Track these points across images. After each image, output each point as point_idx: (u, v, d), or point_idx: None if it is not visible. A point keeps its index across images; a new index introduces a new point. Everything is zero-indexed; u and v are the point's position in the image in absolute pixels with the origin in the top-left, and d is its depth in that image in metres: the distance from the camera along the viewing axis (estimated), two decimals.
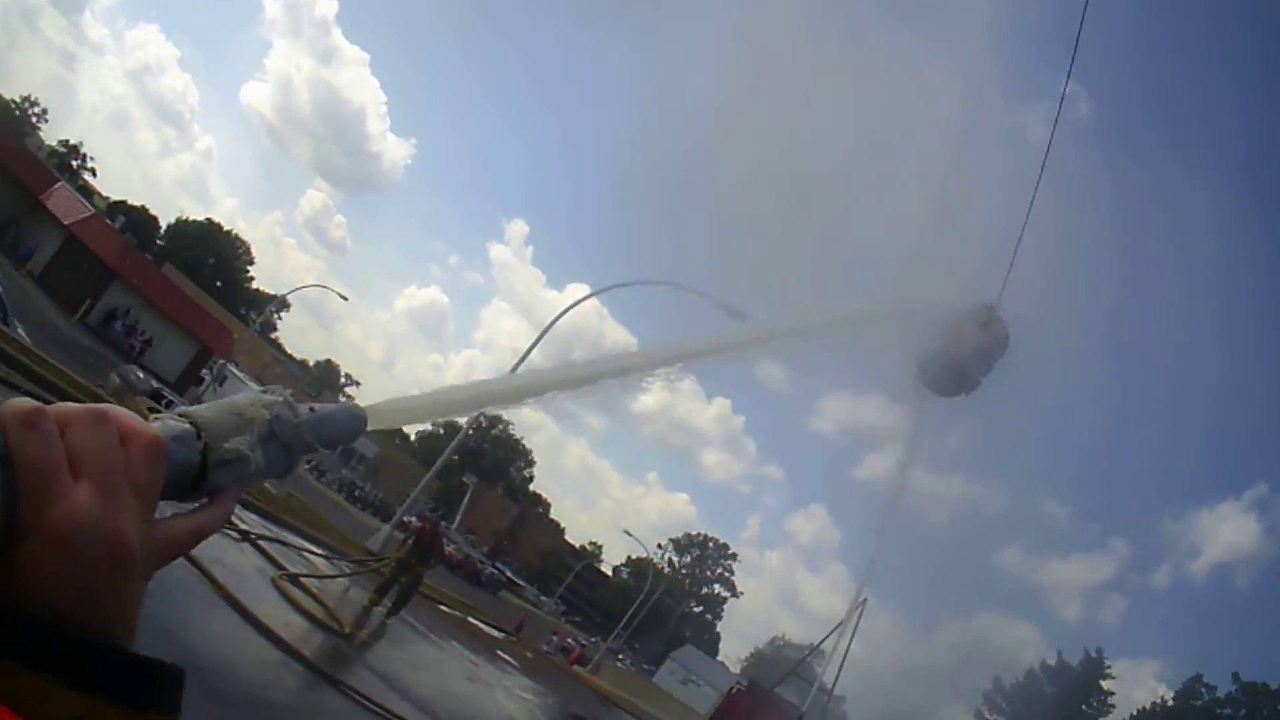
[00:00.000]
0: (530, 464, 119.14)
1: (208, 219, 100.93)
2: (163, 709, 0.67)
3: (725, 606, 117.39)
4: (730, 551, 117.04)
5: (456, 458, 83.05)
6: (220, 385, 49.26)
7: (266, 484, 15.98)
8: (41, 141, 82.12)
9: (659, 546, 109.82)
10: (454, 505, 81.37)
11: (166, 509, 0.73)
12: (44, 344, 20.03)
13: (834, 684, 33.89)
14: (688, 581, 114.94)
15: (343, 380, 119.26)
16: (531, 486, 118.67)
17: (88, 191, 71.70)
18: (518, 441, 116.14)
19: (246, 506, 15.32)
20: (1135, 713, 59.41)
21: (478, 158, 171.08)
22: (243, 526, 14.26)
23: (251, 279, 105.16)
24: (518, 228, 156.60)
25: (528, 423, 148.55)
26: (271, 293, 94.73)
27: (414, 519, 27.31)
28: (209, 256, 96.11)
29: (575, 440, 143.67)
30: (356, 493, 62.12)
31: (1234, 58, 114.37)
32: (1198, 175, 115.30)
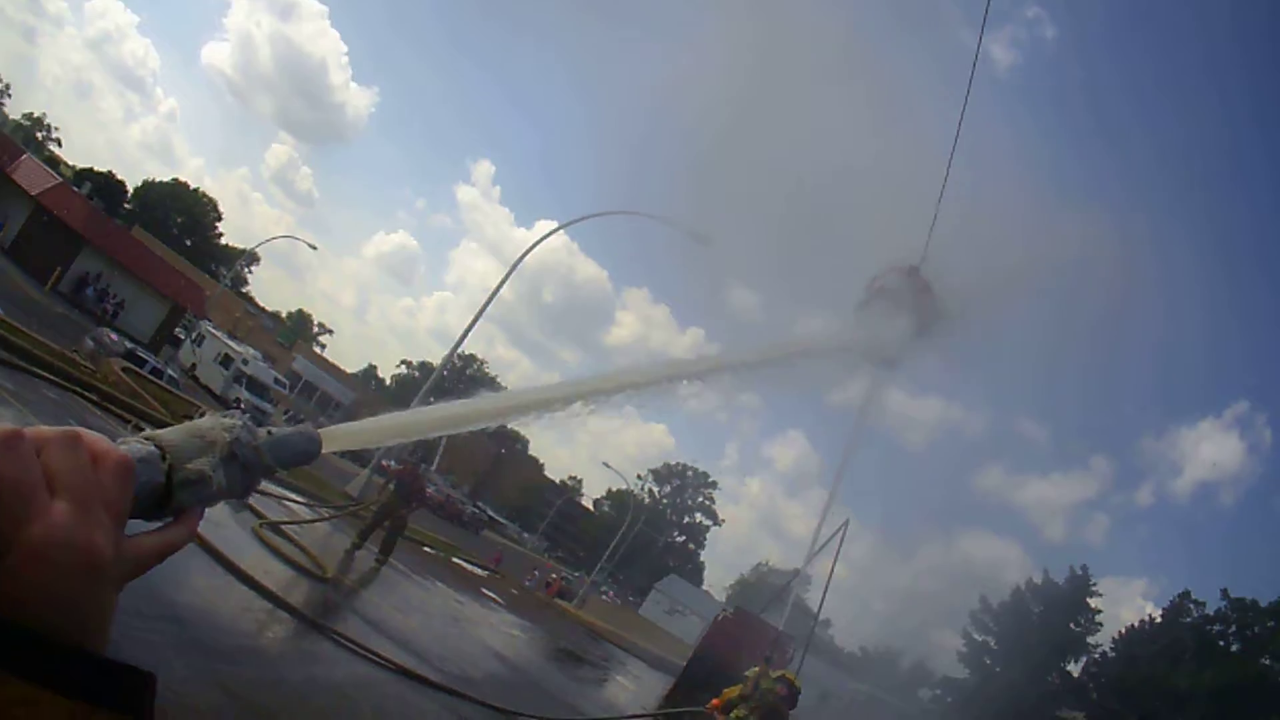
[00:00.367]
0: None
1: (174, 179, 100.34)
2: (136, 713, 0.71)
3: (708, 535, 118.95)
4: (710, 480, 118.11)
5: (432, 399, 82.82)
6: (199, 346, 48.74)
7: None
8: (5, 116, 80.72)
9: (639, 478, 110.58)
10: (432, 447, 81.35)
11: (134, 528, 0.77)
12: (16, 314, 19.58)
13: (819, 608, 34.43)
14: (669, 511, 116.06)
15: (315, 329, 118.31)
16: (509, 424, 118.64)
17: (54, 162, 70.93)
18: (494, 379, 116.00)
19: None
20: (1124, 630, 59.48)
21: (442, 101, 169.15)
22: None
23: (220, 235, 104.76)
24: (484, 168, 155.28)
25: (502, 360, 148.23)
26: (241, 248, 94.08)
27: (392, 463, 27.15)
28: (177, 216, 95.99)
29: (551, 376, 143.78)
30: None
31: None
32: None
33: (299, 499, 17.71)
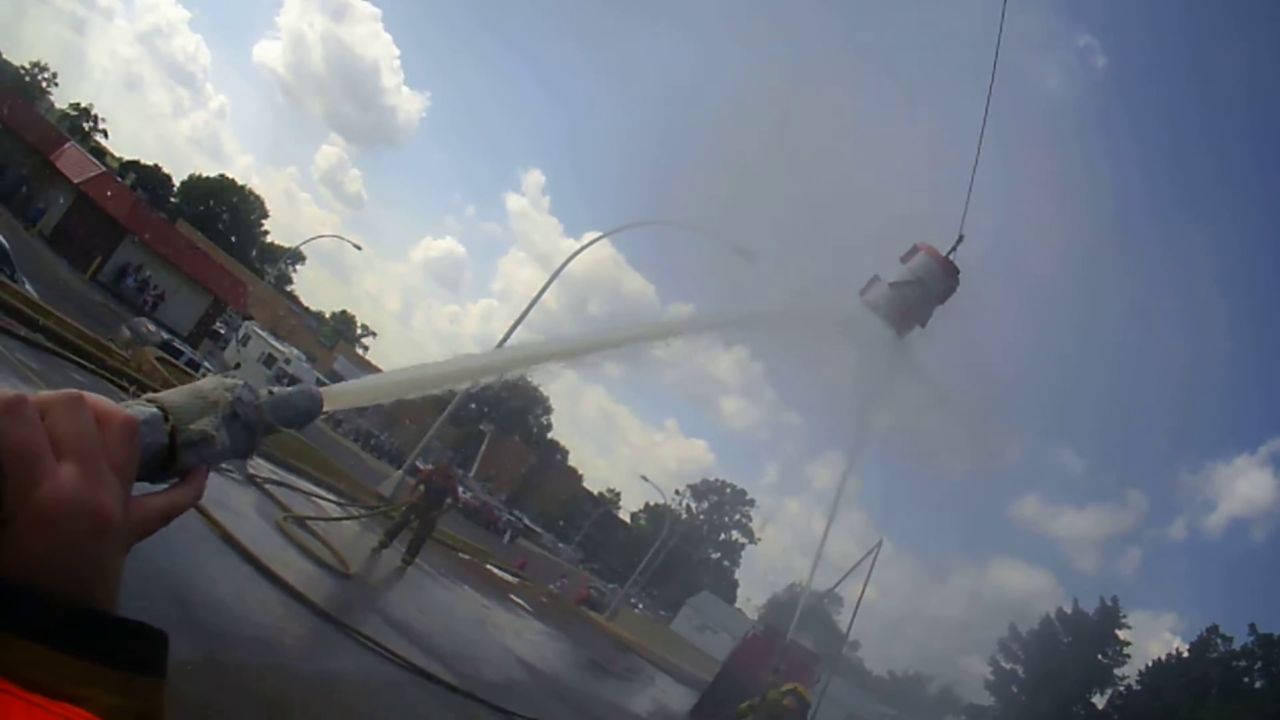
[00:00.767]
0: (548, 411, 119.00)
1: (221, 175, 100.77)
2: (152, 670, 0.72)
3: (743, 553, 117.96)
4: (748, 498, 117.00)
5: (474, 406, 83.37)
6: (244, 346, 49.44)
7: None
8: (51, 105, 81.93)
9: (677, 493, 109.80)
10: (472, 453, 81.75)
11: (139, 492, 0.78)
12: (55, 301, 19.93)
13: (849, 629, 33.99)
14: (705, 528, 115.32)
15: (359, 331, 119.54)
16: (549, 434, 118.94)
17: (100, 152, 71.49)
18: (535, 389, 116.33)
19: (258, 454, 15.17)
20: (1150, 663, 58.71)
21: (494, 108, 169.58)
22: (250, 471, 14.16)
23: (266, 233, 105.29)
24: (535, 177, 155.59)
25: (545, 368, 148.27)
26: (287, 246, 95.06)
27: (429, 465, 27.27)
28: (223, 212, 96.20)
29: (593, 387, 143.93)
30: (373, 441, 62.44)
31: None
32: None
33: (331, 497, 17.82)
